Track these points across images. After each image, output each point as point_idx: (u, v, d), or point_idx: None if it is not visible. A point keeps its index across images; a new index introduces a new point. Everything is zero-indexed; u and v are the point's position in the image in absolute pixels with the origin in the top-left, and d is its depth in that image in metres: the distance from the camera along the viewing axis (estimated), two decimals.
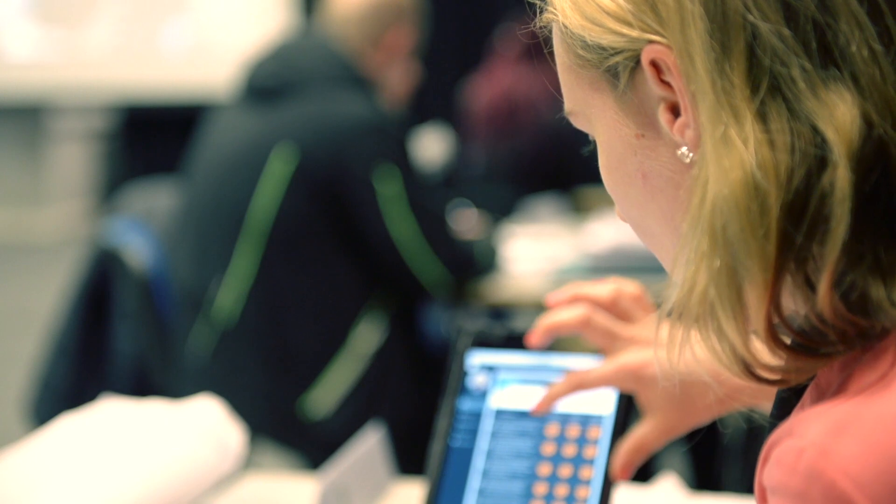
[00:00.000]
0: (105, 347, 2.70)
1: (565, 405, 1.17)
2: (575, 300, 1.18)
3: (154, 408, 1.45)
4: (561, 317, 1.17)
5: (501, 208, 3.95)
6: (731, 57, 0.73)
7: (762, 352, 0.75)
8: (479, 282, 2.76)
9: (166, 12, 5.04)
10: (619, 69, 0.79)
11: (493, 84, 4.53)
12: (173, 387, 2.61)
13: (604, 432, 1.15)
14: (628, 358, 1.13)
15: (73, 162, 5.07)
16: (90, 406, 1.45)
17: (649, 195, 0.82)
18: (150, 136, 4.99)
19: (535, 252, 3.08)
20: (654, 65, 0.77)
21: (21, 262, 4.80)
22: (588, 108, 0.84)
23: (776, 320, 0.73)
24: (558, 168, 4.29)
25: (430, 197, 2.63)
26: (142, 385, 2.63)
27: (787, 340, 0.74)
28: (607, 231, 2.98)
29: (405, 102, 2.94)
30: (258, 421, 2.46)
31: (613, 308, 1.17)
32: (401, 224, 2.55)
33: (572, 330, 1.16)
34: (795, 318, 0.75)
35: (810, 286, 0.73)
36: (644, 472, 3.00)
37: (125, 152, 5.09)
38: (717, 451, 3.17)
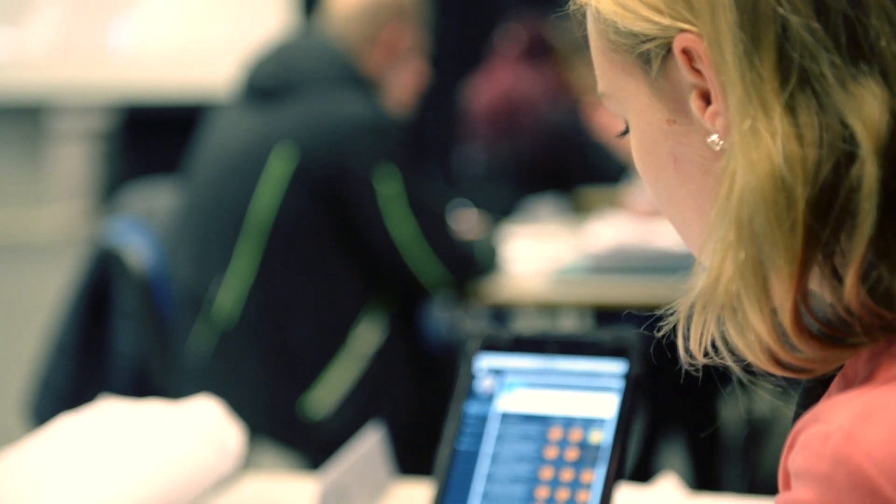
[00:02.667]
0: (105, 347, 2.70)
1: (569, 408, 1.17)
2: None
3: (153, 408, 1.45)
4: None
5: (501, 208, 3.95)
6: (761, 49, 0.73)
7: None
8: (480, 282, 2.76)
9: (166, 12, 5.04)
10: (651, 56, 0.80)
11: (493, 84, 4.52)
12: (173, 387, 2.61)
13: (606, 436, 1.15)
14: None
15: (73, 162, 5.07)
16: (89, 406, 1.45)
17: (680, 180, 0.82)
18: (150, 136, 4.98)
19: (535, 252, 3.08)
20: (686, 53, 0.77)
21: (21, 262, 4.80)
22: (620, 92, 0.84)
23: (803, 311, 0.73)
24: (558, 168, 4.29)
25: (430, 197, 2.63)
26: (142, 385, 2.63)
27: (813, 331, 0.74)
28: (607, 231, 2.98)
29: (412, 105, 2.93)
30: (258, 421, 2.46)
31: None
32: (401, 224, 2.55)
33: None
34: (822, 308, 0.75)
35: (837, 278, 0.73)
36: (644, 472, 3.01)
37: (125, 152, 5.09)
38: (717, 451, 3.17)
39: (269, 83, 2.61)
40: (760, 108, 0.73)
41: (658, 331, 0.84)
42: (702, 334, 0.78)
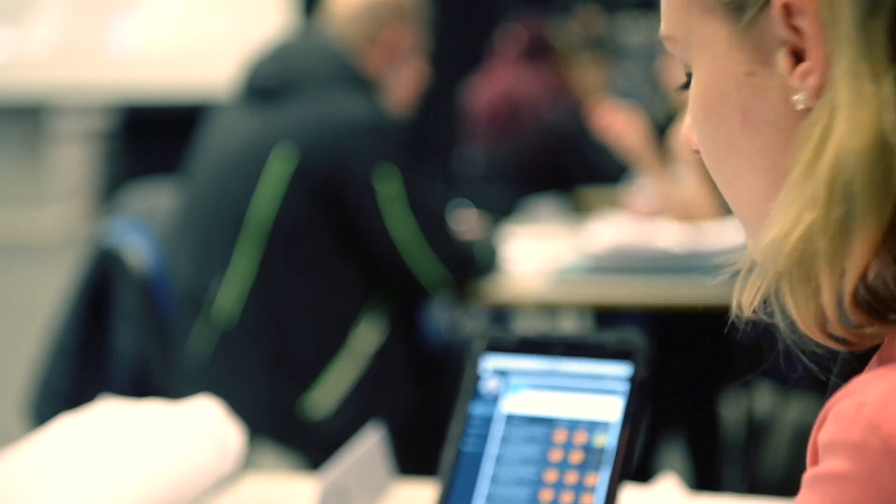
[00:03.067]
0: (105, 347, 2.70)
1: (574, 411, 1.17)
2: None
3: (153, 408, 1.45)
4: None
5: (501, 208, 3.95)
6: (879, 13, 0.72)
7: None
8: (480, 282, 2.76)
9: (166, 12, 5.04)
10: (746, 4, 0.78)
11: (493, 84, 4.53)
12: (173, 387, 2.61)
13: (610, 439, 1.15)
14: None
15: (73, 162, 5.07)
16: (89, 406, 1.45)
17: (745, 134, 0.80)
18: (150, 136, 4.98)
19: (535, 252, 3.08)
20: (787, 7, 0.76)
21: (21, 262, 4.80)
22: (692, 36, 0.82)
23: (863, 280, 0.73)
24: (558, 168, 4.30)
25: (430, 197, 2.63)
26: (142, 385, 2.63)
27: (861, 300, 0.74)
28: (607, 231, 2.98)
29: (412, 105, 2.93)
30: (258, 421, 2.46)
31: None
32: (401, 224, 2.55)
33: None
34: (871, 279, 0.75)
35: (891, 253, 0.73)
36: (644, 473, 3.01)
37: (125, 152, 5.10)
38: (717, 451, 3.17)
39: (269, 83, 2.61)
40: (871, 73, 0.72)
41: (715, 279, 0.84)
42: (758, 289, 0.78)
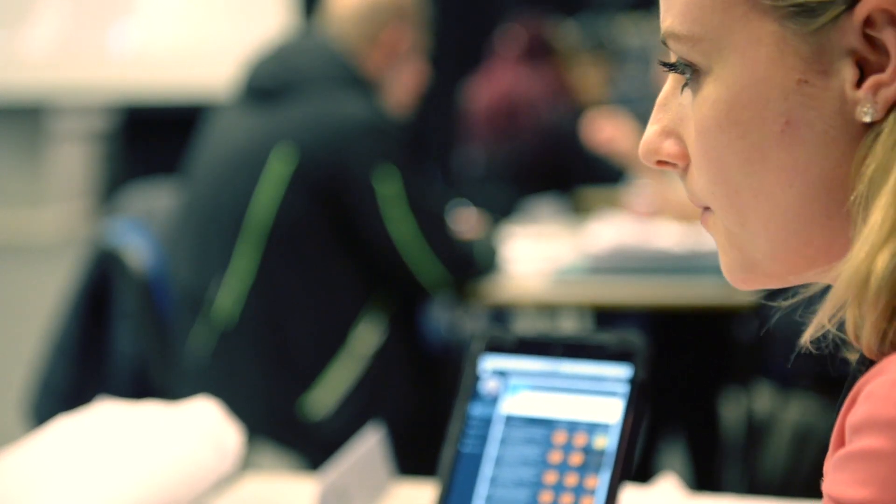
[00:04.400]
0: (105, 347, 2.70)
1: (573, 412, 1.17)
2: None
3: (151, 409, 1.45)
4: None
5: (501, 208, 3.95)
6: None
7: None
8: (479, 282, 2.76)
9: (166, 12, 5.04)
10: (818, 9, 0.74)
11: (493, 85, 4.53)
12: (173, 387, 2.61)
13: (610, 441, 1.15)
14: None
15: (73, 162, 5.06)
16: (87, 408, 1.45)
17: (783, 143, 0.76)
18: (150, 137, 4.99)
19: (535, 252, 3.08)
20: (870, 17, 0.73)
21: (21, 262, 4.80)
22: (726, 37, 0.77)
23: None
24: (558, 168, 4.30)
25: (429, 197, 2.63)
26: (141, 385, 2.63)
27: None
28: (607, 231, 2.98)
29: (411, 106, 2.93)
30: (258, 421, 2.46)
31: None
32: (400, 224, 2.55)
33: None
34: None
35: None
36: (644, 472, 3.01)
37: (125, 153, 5.10)
38: (717, 451, 3.17)
39: (268, 83, 2.61)
40: None
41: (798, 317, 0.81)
42: (835, 312, 0.74)
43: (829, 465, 0.72)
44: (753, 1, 0.76)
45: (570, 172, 4.27)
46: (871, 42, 0.73)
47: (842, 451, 0.70)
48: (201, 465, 1.40)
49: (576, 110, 4.44)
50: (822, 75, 0.75)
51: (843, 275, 0.73)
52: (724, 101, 0.77)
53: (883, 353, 0.73)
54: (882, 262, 0.71)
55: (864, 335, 0.73)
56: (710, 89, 0.78)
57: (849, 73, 0.74)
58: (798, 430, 2.41)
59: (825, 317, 0.75)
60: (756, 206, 0.78)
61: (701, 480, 3.13)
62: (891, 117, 0.73)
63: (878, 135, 0.73)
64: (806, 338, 0.80)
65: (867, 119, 0.73)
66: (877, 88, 0.73)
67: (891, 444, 0.67)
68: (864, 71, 0.74)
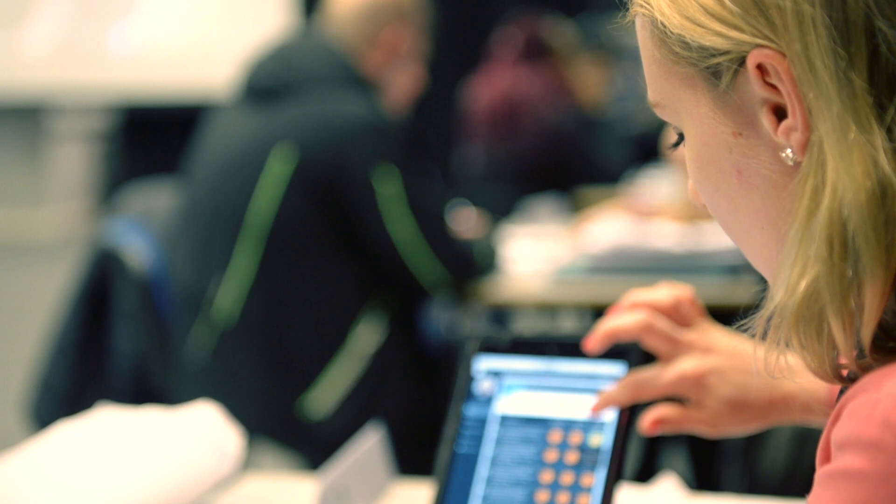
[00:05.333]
0: (105, 348, 2.70)
1: (568, 411, 1.17)
2: (635, 306, 1.17)
3: (151, 414, 1.45)
4: (621, 322, 1.17)
5: (501, 208, 3.95)
6: (855, 64, 0.73)
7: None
8: (479, 282, 2.76)
9: (166, 13, 5.04)
10: (721, 69, 0.78)
11: (493, 85, 4.53)
12: (173, 387, 2.61)
13: (605, 439, 1.15)
14: (688, 365, 1.14)
15: (73, 162, 5.07)
16: (87, 413, 1.45)
17: (743, 191, 0.81)
18: (150, 136, 4.99)
19: (534, 252, 3.08)
20: (760, 68, 0.76)
21: (21, 262, 4.80)
22: (677, 103, 0.83)
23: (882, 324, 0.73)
24: (558, 168, 4.30)
25: (429, 197, 2.63)
26: (141, 385, 2.63)
27: (878, 342, 0.74)
28: (607, 231, 2.98)
29: (408, 106, 2.93)
30: (258, 421, 2.46)
31: (674, 313, 1.17)
32: (400, 224, 2.55)
33: (633, 335, 1.16)
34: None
35: None
36: (644, 472, 3.01)
37: (125, 152, 5.10)
38: (717, 451, 3.17)
39: (268, 83, 2.61)
40: (857, 123, 0.72)
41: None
42: (777, 348, 0.77)
43: (816, 477, 0.73)
44: (684, 71, 0.81)
45: (570, 172, 4.28)
46: (776, 89, 0.77)
47: (827, 468, 0.71)
48: (202, 469, 1.40)
49: (575, 110, 4.44)
50: (750, 126, 0.79)
51: (772, 314, 0.76)
52: (693, 158, 0.84)
53: (862, 368, 0.74)
54: (795, 294, 0.74)
55: (807, 362, 0.76)
56: (686, 148, 0.84)
57: (767, 121, 0.78)
58: (798, 430, 2.41)
59: (770, 353, 0.78)
60: (745, 243, 0.84)
61: (701, 480, 3.13)
62: (806, 158, 0.75)
63: (804, 175, 0.76)
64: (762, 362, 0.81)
65: (791, 162, 0.77)
66: (789, 133, 0.77)
67: (871, 465, 0.68)
68: (783, 115, 0.77)
